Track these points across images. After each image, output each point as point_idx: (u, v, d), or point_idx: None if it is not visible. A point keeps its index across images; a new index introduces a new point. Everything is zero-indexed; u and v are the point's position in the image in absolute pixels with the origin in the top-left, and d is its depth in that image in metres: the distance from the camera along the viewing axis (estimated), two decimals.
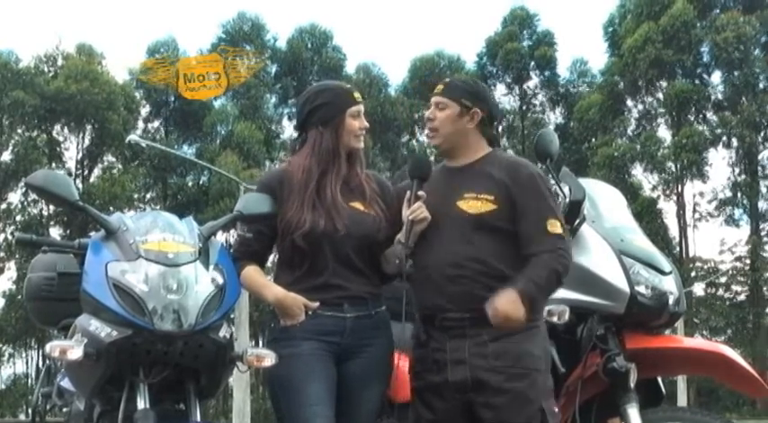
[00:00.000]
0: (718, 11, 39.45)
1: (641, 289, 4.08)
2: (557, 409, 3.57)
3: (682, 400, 26.26)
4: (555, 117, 44.28)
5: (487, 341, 3.47)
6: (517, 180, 3.58)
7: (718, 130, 38.59)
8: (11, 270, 37.69)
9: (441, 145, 3.75)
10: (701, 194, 39.69)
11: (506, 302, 3.41)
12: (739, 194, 39.32)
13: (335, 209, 3.63)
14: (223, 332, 3.23)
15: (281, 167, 3.90)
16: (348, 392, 3.61)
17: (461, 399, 3.51)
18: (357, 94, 3.82)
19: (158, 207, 38.67)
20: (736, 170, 39.39)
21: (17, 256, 36.35)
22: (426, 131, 3.80)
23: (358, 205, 3.71)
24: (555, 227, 3.54)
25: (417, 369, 3.65)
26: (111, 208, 34.00)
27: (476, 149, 3.73)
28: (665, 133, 40.05)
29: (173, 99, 40.84)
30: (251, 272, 3.67)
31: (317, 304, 3.56)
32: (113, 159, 40.27)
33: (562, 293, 3.96)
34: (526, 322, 3.43)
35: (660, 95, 39.79)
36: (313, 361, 3.53)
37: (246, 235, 3.67)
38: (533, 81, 43.88)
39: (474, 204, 3.57)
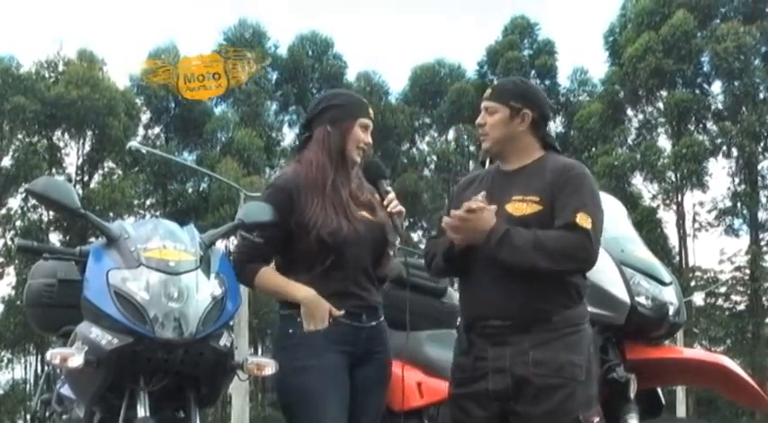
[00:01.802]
0: (718, 21, 39.46)
1: (641, 299, 4.09)
2: (597, 419, 3.48)
3: (681, 411, 26.21)
4: (555, 126, 44.25)
5: (528, 349, 3.42)
6: (561, 179, 3.54)
7: (719, 140, 38.56)
8: (10, 275, 37.63)
9: (491, 148, 3.69)
10: (701, 204, 39.65)
11: (481, 219, 3.41)
12: (739, 204, 39.27)
13: (351, 213, 3.66)
14: (224, 340, 3.23)
15: (293, 169, 3.82)
16: (356, 399, 3.62)
17: (500, 407, 3.47)
18: (371, 112, 3.84)
19: (158, 213, 38.64)
20: (736, 180, 39.36)
21: (16, 261, 36.30)
22: (479, 135, 3.75)
23: (366, 214, 3.72)
24: (584, 221, 3.45)
25: (457, 376, 3.61)
26: (110, 214, 33.94)
27: (529, 152, 3.69)
28: (665, 143, 40.05)
29: (173, 105, 40.86)
30: (269, 272, 3.66)
31: (342, 312, 3.56)
32: (113, 165, 40.21)
33: None
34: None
35: (660, 105, 39.78)
36: (334, 375, 3.54)
37: (256, 240, 3.62)
38: None
39: (519, 206, 3.53)
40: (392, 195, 3.67)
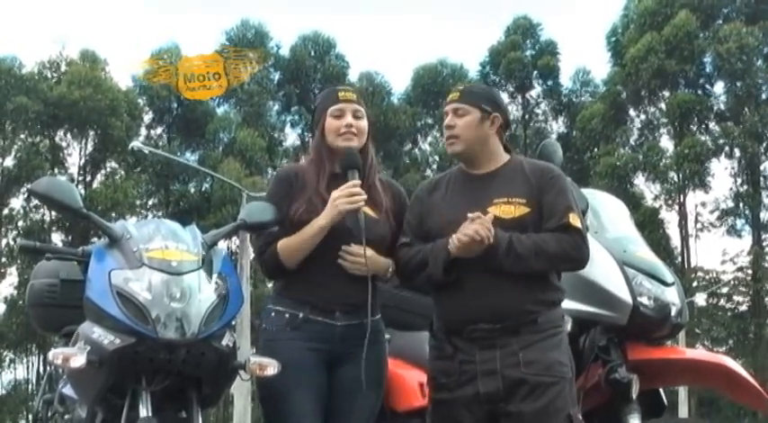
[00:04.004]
0: (720, 22, 39.46)
1: (644, 300, 4.09)
2: (581, 417, 3.54)
3: (683, 411, 26.25)
4: (557, 126, 44.32)
5: (518, 350, 3.43)
6: (544, 181, 3.57)
7: (721, 141, 38.56)
8: (12, 275, 37.69)
9: (462, 153, 3.66)
10: (703, 205, 39.66)
11: (481, 227, 3.37)
12: (741, 205, 39.28)
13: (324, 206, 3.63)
14: (226, 341, 3.23)
15: (297, 164, 4.02)
16: (339, 400, 3.60)
17: (489, 410, 3.47)
18: (344, 94, 3.78)
19: (160, 213, 38.65)
20: (739, 180, 39.38)
21: (19, 261, 36.32)
22: (445, 139, 3.71)
23: (367, 210, 3.66)
24: (576, 221, 3.51)
25: (442, 381, 3.56)
26: (113, 214, 33.99)
27: (497, 156, 3.69)
28: (667, 143, 40.08)
29: (175, 106, 40.89)
30: (285, 240, 3.61)
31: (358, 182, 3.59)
32: (116, 166, 40.26)
33: (565, 304, 3.96)
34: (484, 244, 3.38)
35: (662, 105, 39.79)
36: (301, 370, 3.52)
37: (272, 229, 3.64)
38: (536, 90, 43.93)
39: (507, 209, 3.51)
40: (350, 184, 3.59)
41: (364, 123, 3.77)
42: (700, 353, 5.14)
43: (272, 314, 3.64)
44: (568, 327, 4.05)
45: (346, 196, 3.56)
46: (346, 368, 3.61)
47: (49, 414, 4.68)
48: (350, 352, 3.60)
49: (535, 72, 43.00)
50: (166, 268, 3.16)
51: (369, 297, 3.57)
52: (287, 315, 3.60)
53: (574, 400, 3.53)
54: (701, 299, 36.78)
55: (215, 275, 3.27)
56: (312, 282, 3.59)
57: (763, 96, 38.85)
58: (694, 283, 36.66)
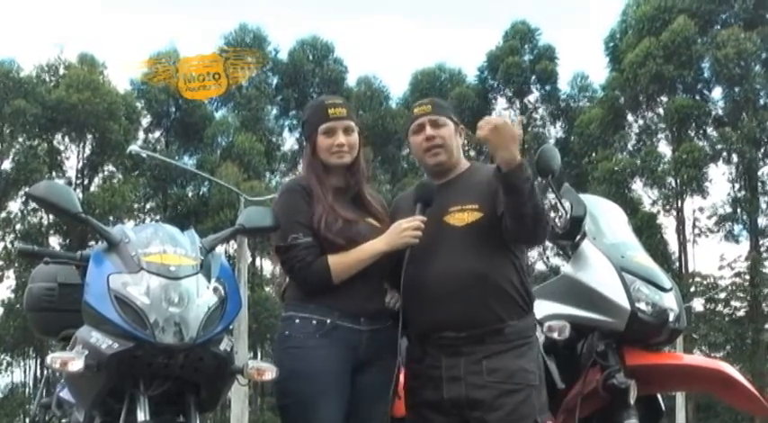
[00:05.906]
0: (719, 27, 39.47)
1: (642, 305, 4.09)
2: None
3: (680, 417, 26.24)
4: (555, 131, 44.30)
5: (482, 358, 3.48)
6: (495, 179, 3.56)
7: (719, 146, 38.55)
8: (10, 279, 37.62)
9: (446, 162, 3.74)
10: (701, 210, 39.63)
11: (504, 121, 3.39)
12: (739, 210, 39.26)
13: (342, 216, 3.63)
14: (224, 345, 3.23)
15: (298, 176, 3.93)
16: (361, 405, 3.61)
17: (458, 414, 3.51)
18: (334, 110, 3.75)
19: (158, 217, 38.63)
20: (737, 186, 39.37)
21: (16, 264, 36.29)
22: (426, 150, 3.76)
23: (373, 221, 3.71)
24: None
25: (413, 385, 3.65)
26: (110, 218, 33.96)
27: (461, 165, 3.80)
28: (665, 148, 40.06)
29: (174, 109, 40.88)
30: (336, 256, 3.58)
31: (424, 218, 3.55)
32: (114, 169, 40.21)
33: (563, 309, 3.98)
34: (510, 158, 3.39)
35: (661, 111, 39.80)
36: (330, 378, 3.52)
37: (305, 240, 3.59)
38: (534, 95, 43.92)
39: (460, 216, 3.59)
40: (419, 218, 3.58)
41: (355, 138, 3.77)
42: (697, 358, 5.15)
43: (297, 321, 3.60)
44: (566, 333, 4.07)
45: (413, 229, 3.55)
46: (369, 374, 3.62)
47: (47, 418, 4.68)
48: (373, 358, 3.62)
49: (533, 77, 42.99)
50: (165, 273, 3.16)
51: (400, 299, 3.63)
52: (314, 322, 3.58)
53: (543, 408, 3.56)
54: (698, 304, 36.78)
55: (213, 280, 3.27)
56: (337, 287, 3.59)
57: (762, 102, 38.86)
58: (692, 289, 36.65)
